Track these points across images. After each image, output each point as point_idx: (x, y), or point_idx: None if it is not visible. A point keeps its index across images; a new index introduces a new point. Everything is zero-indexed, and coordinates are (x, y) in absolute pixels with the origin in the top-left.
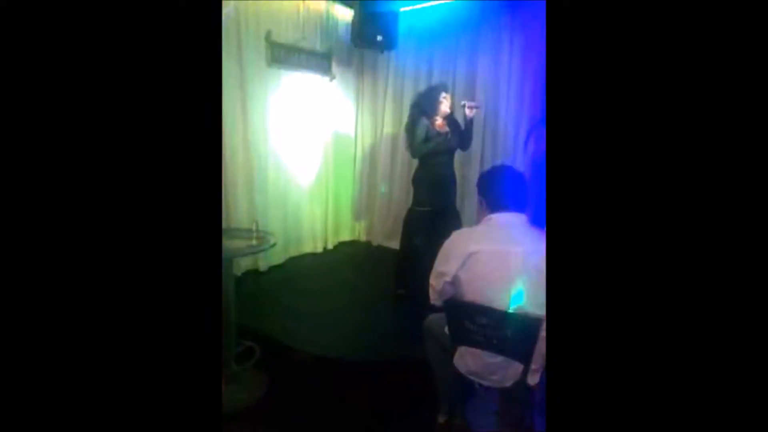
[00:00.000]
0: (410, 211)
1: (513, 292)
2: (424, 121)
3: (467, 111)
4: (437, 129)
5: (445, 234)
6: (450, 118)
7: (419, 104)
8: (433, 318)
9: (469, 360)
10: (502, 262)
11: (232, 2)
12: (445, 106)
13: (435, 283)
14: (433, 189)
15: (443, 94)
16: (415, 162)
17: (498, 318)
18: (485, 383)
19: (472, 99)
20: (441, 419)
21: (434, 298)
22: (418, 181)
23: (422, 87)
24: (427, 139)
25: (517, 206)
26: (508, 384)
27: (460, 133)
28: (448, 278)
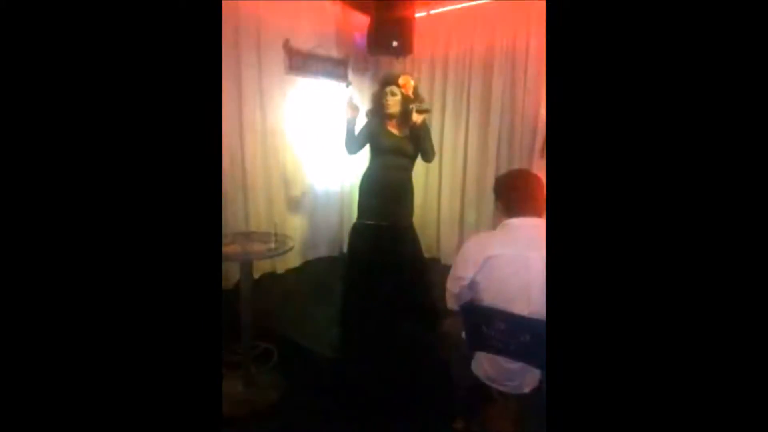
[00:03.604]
0: (353, 227)
1: (531, 296)
2: (372, 118)
3: (414, 116)
4: (390, 129)
5: (397, 258)
6: (405, 120)
7: (370, 100)
8: (450, 322)
9: (486, 365)
10: (520, 266)
11: None
12: (391, 101)
13: (452, 287)
14: (378, 197)
15: (388, 87)
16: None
17: (516, 323)
18: (503, 389)
19: (424, 101)
20: (458, 425)
21: (451, 303)
22: (361, 186)
23: (437, 91)
24: (371, 138)
25: (534, 210)
26: (527, 390)
27: (417, 139)
28: (465, 283)
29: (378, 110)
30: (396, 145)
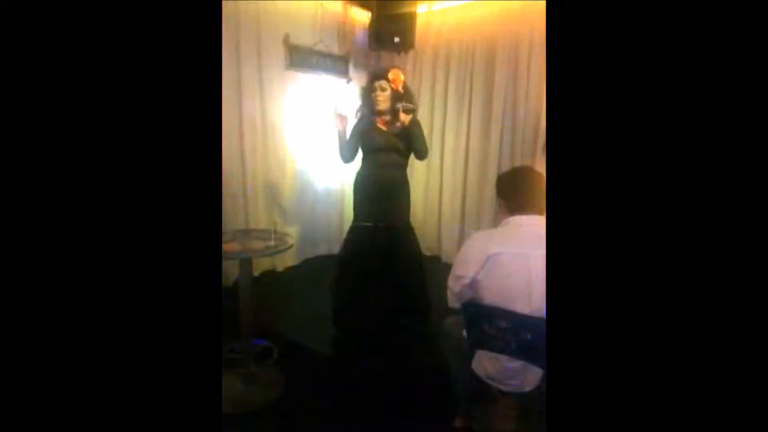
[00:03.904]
0: (351, 229)
1: (533, 295)
2: (362, 116)
3: (402, 116)
4: (380, 126)
5: (396, 259)
6: (396, 116)
7: (359, 96)
8: (451, 321)
9: (487, 364)
10: (522, 265)
11: None
12: (381, 97)
13: (453, 285)
14: (372, 197)
15: (377, 82)
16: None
17: (518, 322)
18: (504, 388)
19: (414, 96)
20: (458, 423)
21: (452, 301)
22: (355, 187)
23: (439, 88)
24: (362, 137)
25: (537, 208)
26: (528, 389)
27: (408, 136)
28: (466, 281)
29: (367, 106)
30: (387, 142)
